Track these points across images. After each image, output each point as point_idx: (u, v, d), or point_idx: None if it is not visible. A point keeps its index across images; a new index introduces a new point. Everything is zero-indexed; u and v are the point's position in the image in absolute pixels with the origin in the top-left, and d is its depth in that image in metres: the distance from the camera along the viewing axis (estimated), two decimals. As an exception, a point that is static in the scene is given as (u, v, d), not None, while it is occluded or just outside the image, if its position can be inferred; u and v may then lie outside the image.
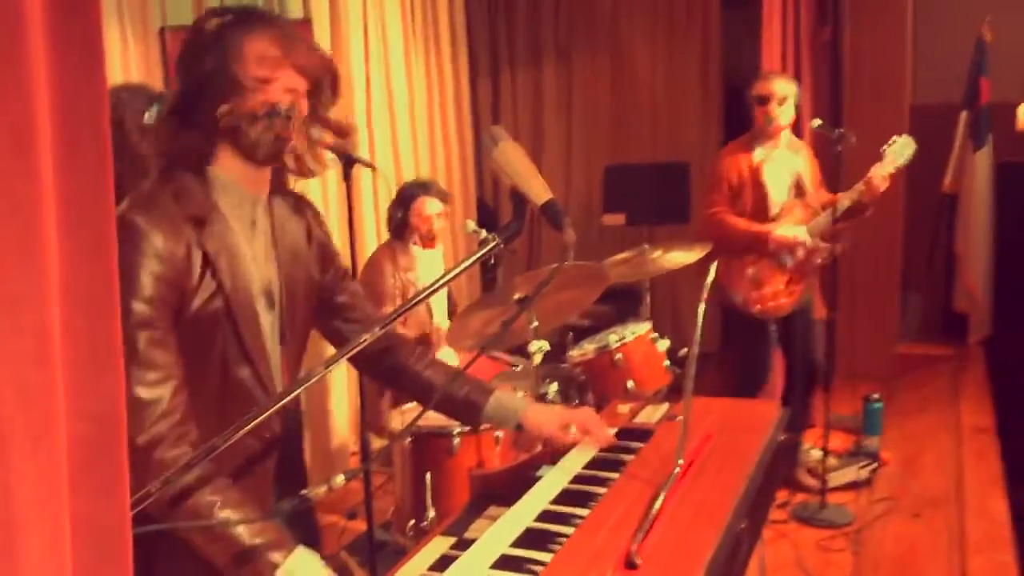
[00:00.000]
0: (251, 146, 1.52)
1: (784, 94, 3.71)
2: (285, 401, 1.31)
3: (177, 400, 1.43)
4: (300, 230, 1.72)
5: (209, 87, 1.49)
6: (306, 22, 4.06)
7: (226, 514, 1.38)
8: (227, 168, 1.55)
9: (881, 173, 3.61)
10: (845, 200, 3.67)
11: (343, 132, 1.65)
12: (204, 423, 1.49)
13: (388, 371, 1.90)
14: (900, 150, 3.70)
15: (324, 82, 1.58)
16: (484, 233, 3.10)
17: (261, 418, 1.30)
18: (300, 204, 1.74)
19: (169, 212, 1.47)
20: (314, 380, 1.31)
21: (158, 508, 1.38)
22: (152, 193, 1.50)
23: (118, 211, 1.49)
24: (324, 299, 1.78)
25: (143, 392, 1.40)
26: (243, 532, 1.39)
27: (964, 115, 5.50)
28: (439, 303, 3.75)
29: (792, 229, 3.74)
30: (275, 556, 1.38)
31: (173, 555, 1.51)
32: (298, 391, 1.31)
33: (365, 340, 1.35)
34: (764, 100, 3.71)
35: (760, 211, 3.79)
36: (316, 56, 1.56)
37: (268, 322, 1.62)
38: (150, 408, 1.40)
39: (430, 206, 3.64)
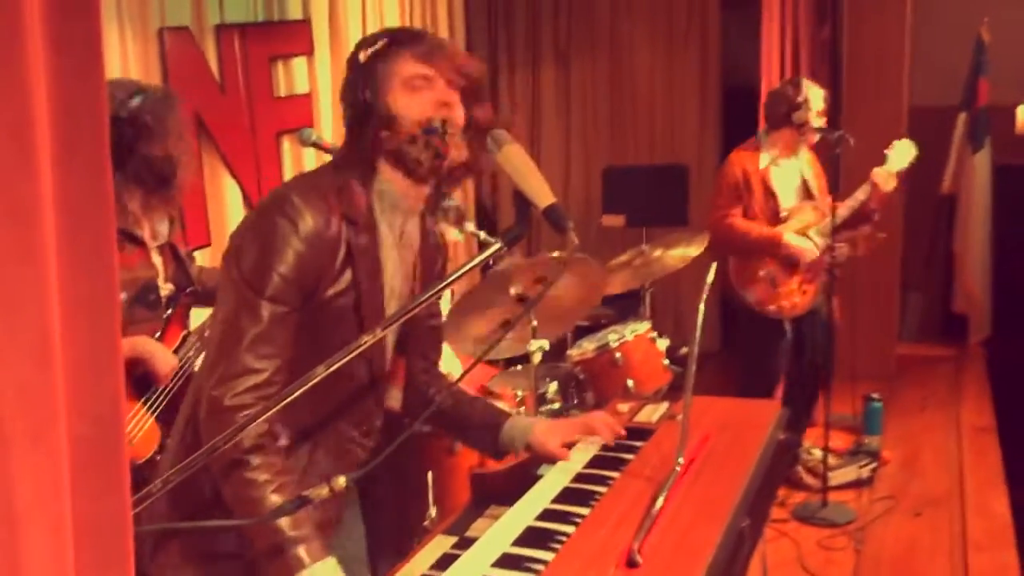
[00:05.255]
0: (413, 164, 1.58)
1: None
2: (288, 400, 1.31)
3: (276, 379, 1.49)
4: (439, 252, 1.81)
5: (367, 117, 1.57)
6: (305, 22, 4.06)
7: (274, 499, 1.43)
8: (389, 181, 1.61)
9: (883, 172, 3.62)
10: (850, 202, 3.67)
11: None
12: (304, 408, 1.55)
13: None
14: (901, 154, 3.71)
15: (476, 86, 1.62)
16: (483, 235, 3.09)
17: (265, 416, 1.30)
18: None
19: (328, 201, 1.55)
20: (315, 381, 1.31)
21: (220, 468, 1.45)
22: (317, 180, 1.60)
23: (279, 186, 1.60)
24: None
25: (250, 360, 1.47)
26: (283, 522, 1.42)
27: (963, 117, 5.50)
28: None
29: (802, 240, 3.73)
30: (303, 554, 1.42)
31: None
32: (303, 390, 1.31)
33: (366, 342, 1.35)
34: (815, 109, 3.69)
35: (769, 215, 3.78)
36: (461, 64, 1.60)
37: (392, 329, 1.67)
38: (249, 377, 1.47)
39: None
